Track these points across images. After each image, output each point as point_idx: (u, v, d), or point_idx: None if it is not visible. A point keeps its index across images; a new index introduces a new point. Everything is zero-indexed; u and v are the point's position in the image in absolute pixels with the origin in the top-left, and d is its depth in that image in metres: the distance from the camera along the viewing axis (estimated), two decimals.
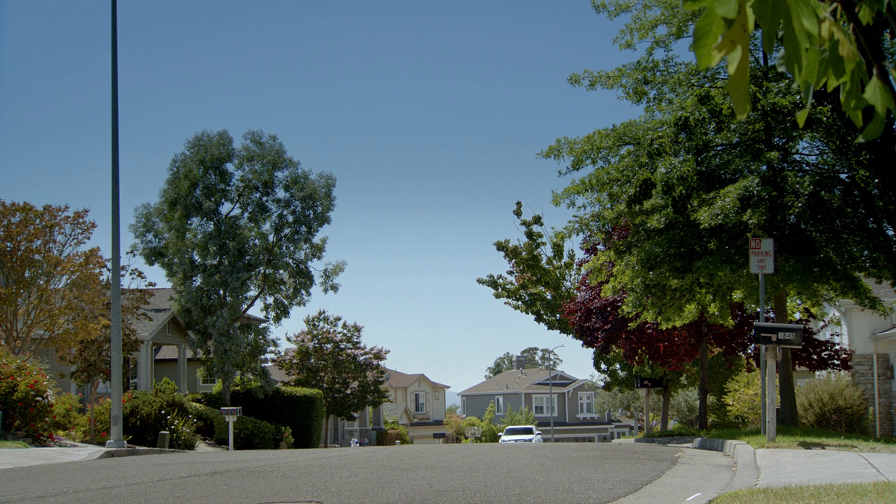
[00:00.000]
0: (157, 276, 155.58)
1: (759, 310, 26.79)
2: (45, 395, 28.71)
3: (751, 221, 24.22)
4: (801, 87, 3.04)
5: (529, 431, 77.19)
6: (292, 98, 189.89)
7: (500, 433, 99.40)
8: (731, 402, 45.07)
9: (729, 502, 9.87)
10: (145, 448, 33.38)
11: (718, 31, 2.90)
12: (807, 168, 26.81)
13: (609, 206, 28.81)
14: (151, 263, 53.25)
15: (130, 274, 43.89)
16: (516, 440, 69.42)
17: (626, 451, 20.23)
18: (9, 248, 35.66)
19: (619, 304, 35.26)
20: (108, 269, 36.04)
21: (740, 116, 3.04)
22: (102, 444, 30.85)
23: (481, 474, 13.21)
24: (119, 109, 30.59)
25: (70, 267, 37.21)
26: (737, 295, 29.29)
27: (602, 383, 64.91)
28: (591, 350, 51.31)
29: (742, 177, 25.64)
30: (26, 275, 36.45)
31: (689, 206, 26.32)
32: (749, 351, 42.23)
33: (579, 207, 29.76)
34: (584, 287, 46.19)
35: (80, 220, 37.42)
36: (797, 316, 37.63)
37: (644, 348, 42.47)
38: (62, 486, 12.80)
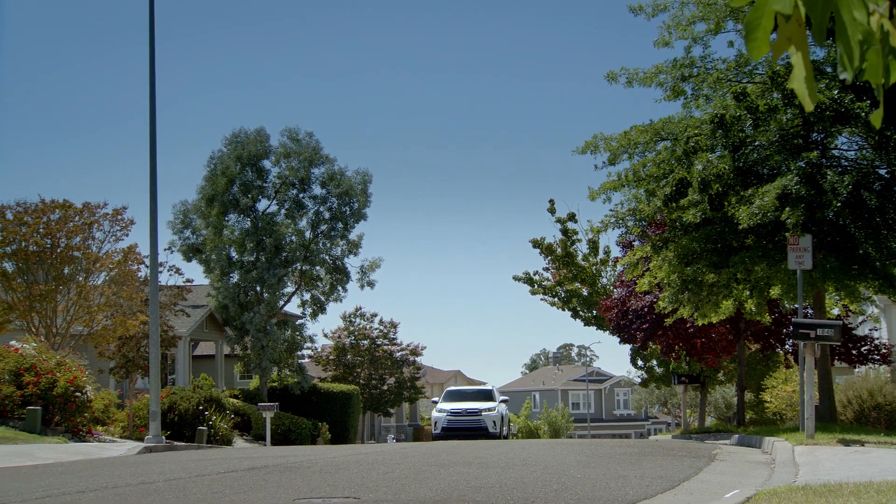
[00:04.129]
0: (195, 273, 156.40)
1: (796, 306, 26.64)
2: (84, 391, 28.91)
3: (788, 221, 24.07)
4: (856, 79, 3.00)
5: (486, 397, 44.17)
6: (329, 94, 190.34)
7: (537, 430, 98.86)
8: (768, 399, 44.82)
9: (767, 499, 9.82)
10: (183, 444, 33.53)
11: (769, 24, 2.89)
12: (845, 164, 26.60)
13: (646, 201, 28.71)
14: (189, 260, 53.54)
15: (168, 270, 44.12)
16: (458, 411, 41.75)
17: (664, 448, 20.18)
18: (48, 246, 35.93)
19: (656, 300, 35.12)
20: (147, 266, 36.30)
21: (809, 109, 3.03)
22: (141, 439, 31.04)
23: (518, 470, 13.20)
24: (156, 106, 30.73)
25: (109, 264, 37.45)
26: (774, 291, 29.12)
27: (639, 380, 64.64)
28: (627, 346, 51.18)
29: (780, 173, 25.47)
30: (65, 271, 36.73)
31: (726, 203, 26.20)
32: (787, 347, 41.97)
33: (616, 204, 29.70)
34: (620, 284, 46.06)
35: (119, 216, 37.66)
36: (835, 312, 37.36)
37: (681, 345, 42.30)
38: (102, 481, 12.88)
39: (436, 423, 42.29)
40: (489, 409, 42.04)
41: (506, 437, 42.61)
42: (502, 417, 42.72)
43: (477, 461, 14.88)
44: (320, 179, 54.00)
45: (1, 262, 36.32)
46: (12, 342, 30.53)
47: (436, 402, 45.21)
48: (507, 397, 47.27)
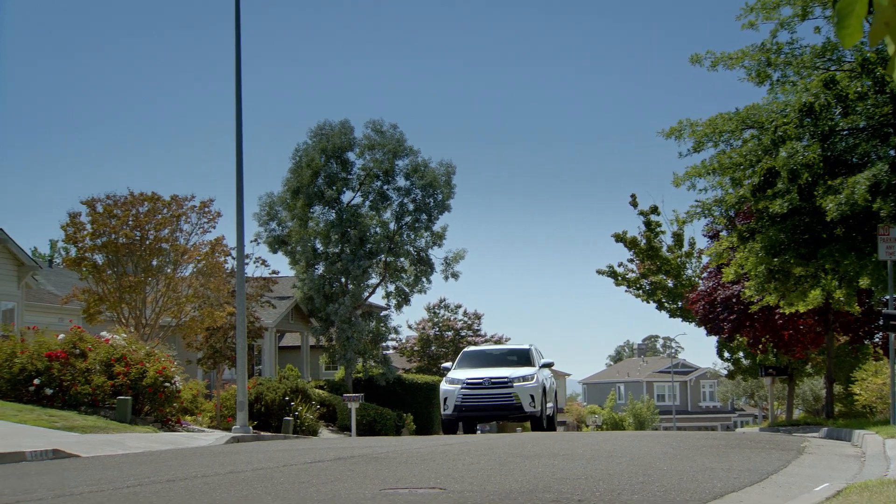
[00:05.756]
0: (281, 265, 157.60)
1: (886, 297, 26.26)
2: (172, 381, 29.29)
3: (882, 212, 23.70)
4: None
5: (520, 360, 32.07)
6: (412, 86, 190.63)
7: (622, 422, 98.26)
8: (858, 392, 44.21)
9: (858, 493, 9.68)
10: (270, 434, 33.87)
11: (863, 10, 2.84)
12: None
13: (731, 190, 28.42)
14: (275, 251, 54.10)
15: (254, 262, 44.62)
16: (477, 381, 30.06)
17: (751, 441, 19.98)
18: (137, 238, 36.41)
19: (743, 290, 34.76)
20: (233, 258, 36.65)
21: None
22: (228, 429, 31.39)
23: (603, 462, 13.15)
24: (242, 98, 30.96)
25: (196, 255, 37.89)
26: (863, 282, 28.72)
27: (725, 371, 64.01)
28: (713, 338, 50.73)
29: (870, 162, 25.09)
30: (154, 263, 37.20)
31: (814, 192, 25.86)
32: (876, 339, 41.36)
33: (700, 190, 29.39)
34: (707, 276, 45.71)
35: (206, 209, 38.05)
36: None
37: (768, 337, 41.86)
38: (191, 470, 13.05)
39: (445, 399, 30.27)
40: (524, 378, 30.23)
41: (551, 420, 32.16)
42: (544, 390, 30.94)
43: (562, 453, 14.85)
44: (404, 171, 54.24)
45: (91, 254, 36.90)
46: (103, 333, 31.02)
47: (448, 370, 32.07)
48: (551, 360, 33.21)
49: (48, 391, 27.32)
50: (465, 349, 34.70)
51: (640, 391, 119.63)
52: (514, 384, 29.91)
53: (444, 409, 30.32)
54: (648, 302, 61.94)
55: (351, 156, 54.41)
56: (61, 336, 29.21)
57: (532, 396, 29.88)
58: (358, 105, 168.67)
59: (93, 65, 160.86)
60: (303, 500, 8.96)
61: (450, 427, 30.74)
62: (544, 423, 30.62)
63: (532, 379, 30.23)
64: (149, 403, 28.90)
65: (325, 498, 9.11)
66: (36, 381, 27.32)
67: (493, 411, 30.39)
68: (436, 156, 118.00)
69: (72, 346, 28.51)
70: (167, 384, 28.98)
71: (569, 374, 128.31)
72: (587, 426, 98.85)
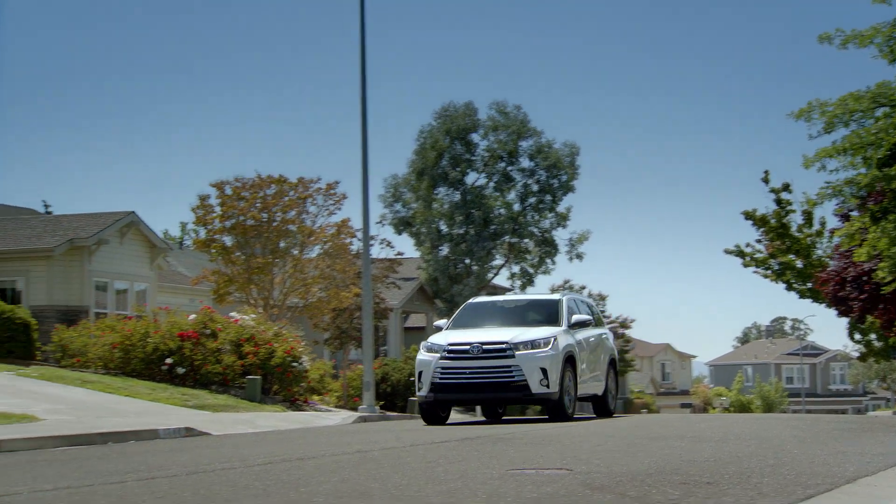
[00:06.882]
0: (405, 246, 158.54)
1: None
2: (300, 361, 29.69)
3: None
4: None
5: (540, 315, 22.16)
6: (537, 64, 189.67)
7: (749, 405, 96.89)
8: None
9: None
10: (395, 414, 34.15)
11: None
12: None
13: (864, 169, 27.78)
14: (399, 233, 54.52)
15: (380, 244, 44.98)
16: (462, 348, 20.20)
17: (884, 424, 19.59)
18: (265, 220, 36.89)
19: (875, 269, 33.98)
20: (359, 239, 36.95)
21: None
22: (355, 409, 31.70)
23: (732, 444, 13.01)
24: (367, 80, 31.08)
25: (322, 237, 38.26)
26: None
27: (856, 354, 62.69)
28: (844, 320, 49.69)
29: None
30: (281, 245, 37.67)
31: None
32: None
33: (831, 171, 28.76)
34: (836, 255, 44.81)
35: (332, 191, 38.39)
36: None
37: None
38: (320, 449, 13.23)
39: (420, 373, 20.86)
40: (533, 343, 20.43)
41: (603, 402, 24.31)
42: (571, 361, 21.27)
43: (689, 435, 14.74)
44: (528, 152, 54.19)
45: (220, 235, 37.51)
46: (232, 313, 31.55)
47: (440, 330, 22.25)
48: (588, 317, 22.84)
49: (180, 370, 27.93)
50: (470, 300, 24.69)
51: (768, 373, 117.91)
52: (517, 352, 20.26)
53: (419, 389, 21.06)
54: (777, 282, 60.89)
55: (475, 137, 54.54)
56: (192, 316, 29.79)
57: (543, 370, 20.23)
58: (482, 83, 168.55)
59: (221, 50, 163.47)
60: (430, 480, 9.01)
61: (429, 413, 21.24)
62: (567, 407, 21.10)
63: (547, 344, 20.45)
64: (277, 383, 29.34)
65: (453, 477, 9.16)
66: (168, 361, 27.96)
67: (486, 392, 20.83)
68: (560, 136, 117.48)
69: (202, 326, 29.07)
70: (295, 364, 29.39)
71: (694, 356, 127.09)
72: (714, 408, 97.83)
